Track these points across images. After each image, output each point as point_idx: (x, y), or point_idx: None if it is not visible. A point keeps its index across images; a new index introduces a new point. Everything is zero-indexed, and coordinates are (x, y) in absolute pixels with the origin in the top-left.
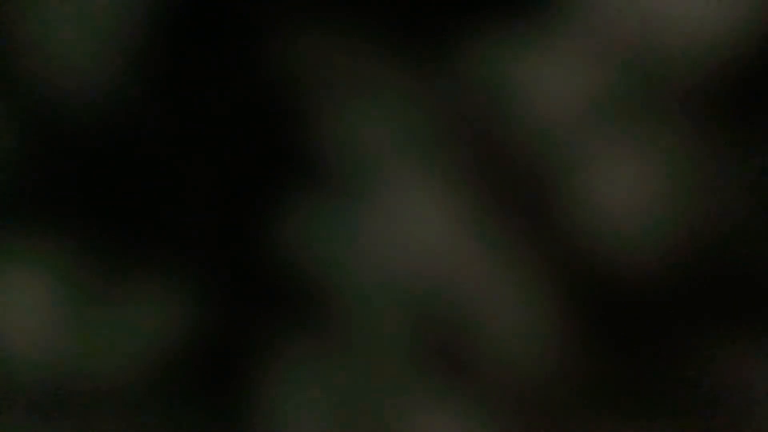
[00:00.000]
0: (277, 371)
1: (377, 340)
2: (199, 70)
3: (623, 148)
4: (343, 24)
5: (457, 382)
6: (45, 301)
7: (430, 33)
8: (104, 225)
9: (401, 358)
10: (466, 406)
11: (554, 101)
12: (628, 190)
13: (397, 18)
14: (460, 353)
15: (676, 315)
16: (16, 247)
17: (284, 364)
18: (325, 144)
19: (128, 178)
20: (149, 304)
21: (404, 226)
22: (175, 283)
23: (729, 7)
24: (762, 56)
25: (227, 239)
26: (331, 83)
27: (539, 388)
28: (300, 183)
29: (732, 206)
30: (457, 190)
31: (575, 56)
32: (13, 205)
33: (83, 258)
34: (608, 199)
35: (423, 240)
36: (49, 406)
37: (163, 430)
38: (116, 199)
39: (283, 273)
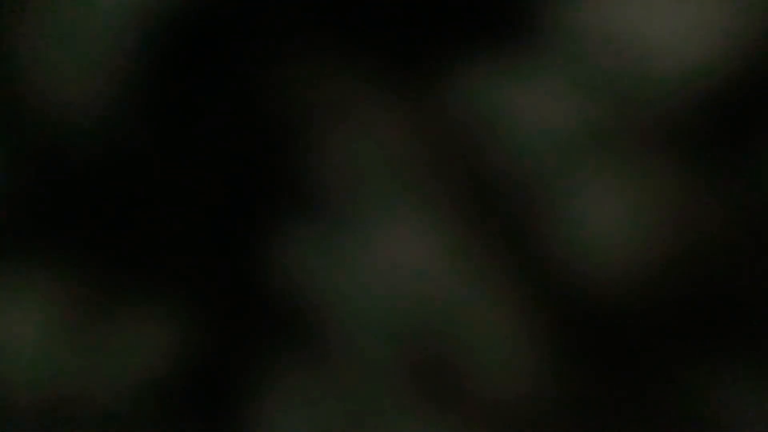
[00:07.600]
0: (268, 395)
1: (367, 363)
2: (193, 99)
3: (608, 175)
4: (333, 53)
5: (443, 404)
6: (42, 325)
7: (419, 63)
8: (99, 250)
9: (390, 380)
10: (452, 427)
11: (540, 130)
12: (613, 215)
13: (386, 48)
14: (446, 375)
15: (656, 337)
16: (13, 273)
17: (276, 388)
18: (315, 171)
19: (122, 205)
20: (144, 328)
21: (393, 252)
22: (169, 308)
23: (711, 36)
24: (741, 84)
25: (220, 265)
26: (322, 112)
27: (524, 409)
28: (291, 210)
29: (713, 230)
30: (444, 216)
31: (561, 85)
32: (9, 232)
33: (79, 283)
34: (592, 224)
35: (411, 266)
36: (45, 428)
37: None
38: (110, 225)
39: (275, 298)
